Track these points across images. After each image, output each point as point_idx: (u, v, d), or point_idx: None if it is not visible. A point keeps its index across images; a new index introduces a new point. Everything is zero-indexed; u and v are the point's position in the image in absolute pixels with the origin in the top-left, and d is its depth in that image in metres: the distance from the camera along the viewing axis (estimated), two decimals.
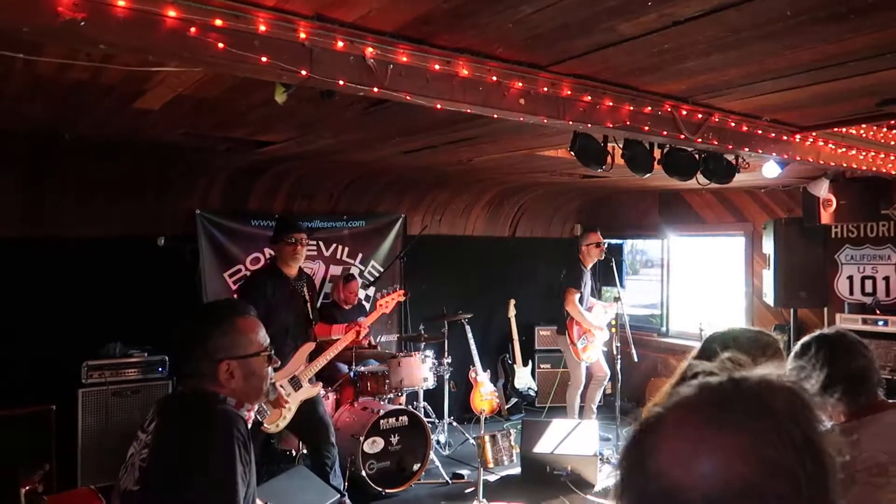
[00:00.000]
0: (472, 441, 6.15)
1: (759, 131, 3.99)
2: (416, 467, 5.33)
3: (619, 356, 6.07)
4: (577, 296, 6.25)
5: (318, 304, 6.42)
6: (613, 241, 7.69)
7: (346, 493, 4.66)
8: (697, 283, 7.98)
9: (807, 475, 0.73)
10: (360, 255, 6.76)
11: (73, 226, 5.25)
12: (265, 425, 4.33)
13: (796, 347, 2.09)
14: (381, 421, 5.19)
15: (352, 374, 5.61)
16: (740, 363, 0.85)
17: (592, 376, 6.50)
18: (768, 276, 6.15)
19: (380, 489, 5.07)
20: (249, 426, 1.96)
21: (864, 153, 4.71)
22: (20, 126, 4.11)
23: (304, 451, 5.39)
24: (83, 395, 4.90)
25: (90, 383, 4.94)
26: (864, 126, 4.37)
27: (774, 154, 4.17)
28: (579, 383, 6.42)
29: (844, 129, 4.34)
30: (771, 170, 4.53)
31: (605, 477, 5.37)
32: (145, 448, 1.85)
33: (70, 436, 4.83)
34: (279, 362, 2.05)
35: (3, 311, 4.95)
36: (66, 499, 4.11)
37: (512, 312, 7.49)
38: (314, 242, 6.49)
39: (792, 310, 6.25)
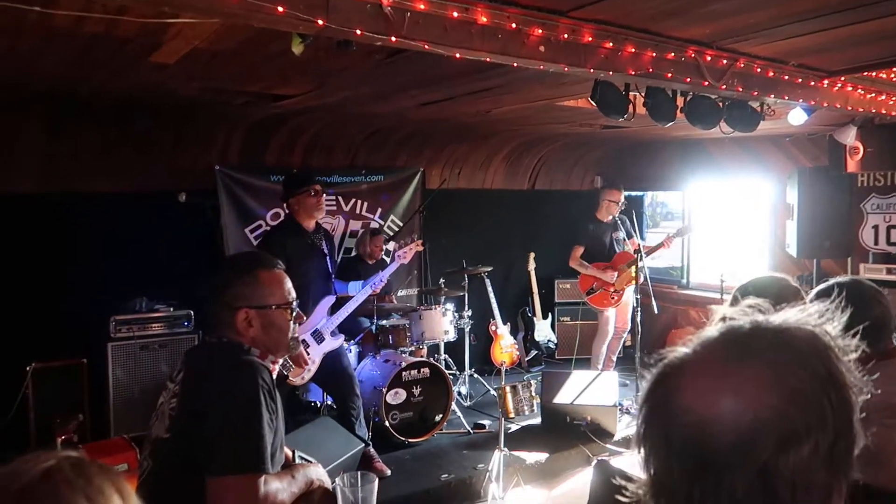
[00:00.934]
0: (492, 392, 6.24)
1: (786, 77, 3.88)
2: (438, 418, 5.42)
3: (639, 308, 6.07)
4: (581, 251, 6.33)
5: (340, 259, 6.50)
6: (633, 193, 7.63)
7: (370, 443, 4.77)
8: (718, 235, 7.91)
9: (832, 407, 0.74)
10: (379, 210, 6.76)
11: (93, 181, 5.30)
12: (290, 378, 4.41)
13: (811, 295, 2.08)
14: (404, 373, 5.27)
15: (373, 327, 5.67)
16: (761, 309, 0.85)
17: (615, 327, 6.53)
18: (792, 227, 6.07)
19: (403, 439, 5.18)
20: (275, 377, 2.00)
21: (893, 98, 4.58)
22: (37, 81, 4.12)
23: (329, 402, 5.51)
24: (112, 349, 5.01)
25: (118, 337, 5.05)
26: (894, 70, 4.24)
27: (801, 100, 4.07)
28: (605, 335, 6.47)
29: (874, 74, 4.22)
30: (797, 117, 4.43)
31: (625, 427, 5.43)
32: (174, 397, 1.90)
33: (101, 388, 4.98)
34: (304, 318, 2.08)
35: (30, 267, 5.06)
36: (100, 448, 4.25)
37: (532, 265, 7.49)
38: (333, 197, 6.50)
39: (815, 260, 6.19)
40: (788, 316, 0.82)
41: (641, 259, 6.02)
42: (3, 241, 4.98)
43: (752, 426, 0.71)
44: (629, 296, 6.38)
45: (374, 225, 6.68)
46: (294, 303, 2.03)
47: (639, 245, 6.18)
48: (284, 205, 4.82)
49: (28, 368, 4.75)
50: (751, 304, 0.85)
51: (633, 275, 6.15)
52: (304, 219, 4.61)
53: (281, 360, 2.08)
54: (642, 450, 0.80)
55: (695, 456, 0.73)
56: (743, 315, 0.83)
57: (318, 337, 4.55)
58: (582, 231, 6.45)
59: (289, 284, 2.03)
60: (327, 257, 4.73)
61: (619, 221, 6.51)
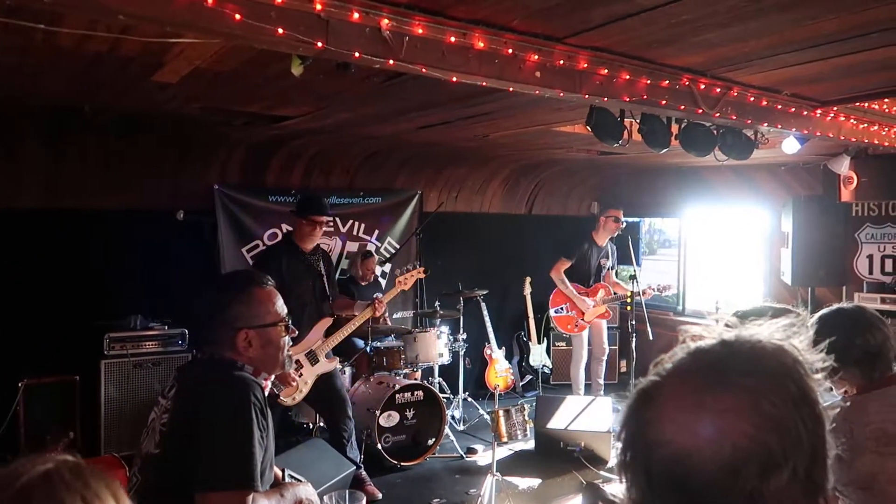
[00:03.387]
0: (486, 416, 6.21)
1: (779, 106, 3.94)
2: (430, 441, 5.39)
3: (633, 334, 6.07)
4: (566, 265, 6.36)
5: (337, 279, 6.50)
6: (630, 219, 7.67)
7: (362, 466, 4.74)
8: (714, 262, 7.93)
9: (806, 428, 0.74)
10: (376, 232, 6.79)
11: (93, 198, 5.33)
12: (281, 398, 4.40)
13: (813, 320, 2.09)
14: (397, 395, 5.25)
15: (368, 348, 5.66)
16: (729, 325, 0.86)
17: (591, 353, 6.55)
18: (787, 255, 6.11)
19: (395, 462, 5.15)
20: (267, 394, 2.00)
21: (886, 129, 4.63)
22: (41, 99, 4.17)
23: (321, 424, 5.48)
24: (105, 367, 5.00)
25: (112, 355, 5.04)
26: (886, 101, 4.30)
27: (794, 129, 4.12)
28: (579, 358, 6.51)
29: (867, 104, 4.27)
30: (791, 146, 4.48)
31: None
32: (165, 413, 1.90)
33: (93, 406, 4.95)
34: (297, 332, 2.09)
35: (28, 282, 5.06)
36: (95, 468, 4.21)
37: (528, 290, 7.49)
38: (331, 218, 6.53)
39: (810, 289, 6.21)
40: (756, 332, 0.82)
41: (637, 283, 6.05)
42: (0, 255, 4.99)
43: (731, 457, 0.71)
44: (600, 321, 6.50)
45: (370, 247, 6.71)
46: (287, 318, 2.04)
47: (634, 271, 6.21)
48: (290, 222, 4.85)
49: (20, 384, 4.73)
50: (718, 319, 0.86)
51: (607, 311, 6.35)
52: (299, 241, 4.64)
53: (272, 377, 2.08)
54: (624, 479, 0.80)
55: (678, 489, 0.73)
56: (711, 332, 0.84)
57: (312, 358, 4.54)
58: (575, 246, 6.44)
59: (280, 300, 2.05)
60: (324, 278, 4.74)
61: (610, 249, 6.56)
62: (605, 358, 6.63)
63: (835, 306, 2.15)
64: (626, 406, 0.82)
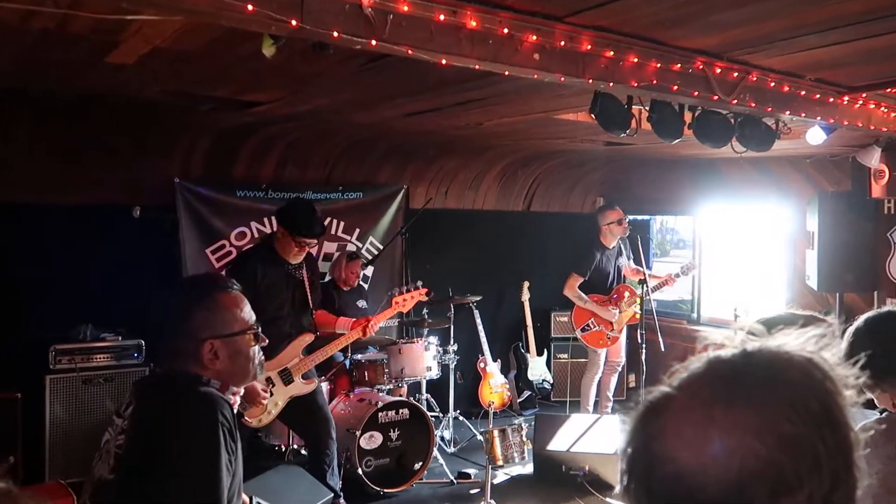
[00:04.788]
0: (479, 437, 6.23)
1: (802, 92, 3.98)
2: (417, 465, 5.41)
3: (643, 345, 6.10)
4: (580, 281, 6.37)
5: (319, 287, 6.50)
6: (640, 218, 7.71)
7: (341, 493, 4.74)
8: (732, 265, 7.99)
9: (827, 452, 0.75)
10: (357, 231, 6.81)
11: (38, 192, 5.30)
12: (246, 418, 4.36)
13: (857, 325, 2.09)
14: (380, 414, 5.26)
15: (347, 362, 5.67)
16: (755, 333, 0.86)
17: (607, 361, 6.58)
18: (812, 257, 6.16)
19: (378, 489, 5.16)
20: (235, 412, 2.01)
21: None
22: None
23: (294, 447, 5.49)
24: (51, 383, 4.98)
25: (58, 369, 5.02)
26: None
27: (819, 118, 4.17)
28: (595, 370, 6.53)
29: None
30: (815, 136, 4.52)
31: None
32: (122, 434, 1.90)
33: (37, 426, 4.92)
34: (266, 340, 2.10)
35: None
36: (33, 494, 4.19)
37: (526, 296, 7.53)
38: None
39: (837, 294, 6.26)
40: (783, 342, 0.82)
41: (646, 289, 6.09)
42: None
43: (738, 477, 0.72)
44: (617, 329, 6.51)
45: (350, 248, 6.71)
46: (256, 325, 2.05)
47: (644, 274, 6.24)
48: (274, 224, 4.78)
49: None
50: (743, 328, 0.86)
51: (636, 314, 6.29)
52: (284, 253, 4.61)
53: (242, 391, 2.09)
54: (625, 501, 0.81)
55: None
56: (733, 342, 0.85)
57: (285, 377, 4.52)
58: (587, 259, 6.44)
59: (248, 305, 2.05)
60: (307, 287, 4.70)
61: (622, 246, 6.60)
62: (619, 369, 6.67)
63: (884, 309, 2.15)
64: (631, 420, 0.83)
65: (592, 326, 6.44)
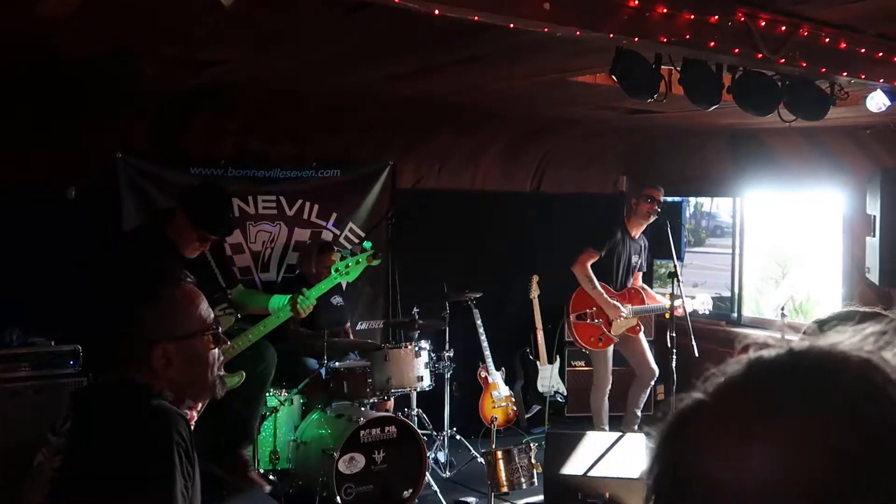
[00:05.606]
0: (480, 459, 6.25)
1: (863, 49, 3.98)
2: (407, 493, 5.42)
3: (674, 350, 6.12)
4: (594, 259, 6.42)
5: (281, 278, 6.51)
6: (669, 199, 7.72)
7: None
8: (779, 256, 8.02)
9: (884, 467, 0.75)
10: (334, 215, 6.81)
11: None
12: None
13: None
14: (362, 432, 5.27)
15: (323, 370, 5.68)
16: (805, 331, 0.87)
17: (634, 375, 6.60)
18: (873, 245, 6.18)
19: None
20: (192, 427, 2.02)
21: None
22: None
23: (262, 471, 5.49)
24: None
25: None
26: None
27: (882, 80, 4.18)
28: (602, 382, 6.59)
29: None
30: (877, 102, 4.53)
31: None
32: (58, 454, 1.91)
33: None
34: (228, 342, 2.10)
35: None
36: None
37: (535, 293, 7.52)
38: (272, 198, 6.52)
39: None
40: (836, 340, 0.83)
41: (679, 282, 6.10)
42: None
43: (783, 498, 0.73)
44: (632, 335, 6.61)
45: (325, 235, 6.71)
46: (215, 325, 2.06)
47: (675, 268, 6.26)
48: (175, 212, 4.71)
49: None
50: (790, 324, 0.87)
51: (638, 325, 6.45)
52: (182, 246, 4.62)
53: (200, 407, 2.10)
54: None
55: None
56: (779, 343, 0.85)
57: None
58: (607, 235, 6.50)
59: (205, 302, 2.06)
60: (214, 266, 4.81)
61: (643, 244, 6.64)
62: (651, 382, 6.69)
63: None
64: (659, 433, 0.83)
65: (589, 318, 6.47)
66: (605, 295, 6.43)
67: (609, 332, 6.47)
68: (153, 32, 3.98)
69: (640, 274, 6.84)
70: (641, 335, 6.64)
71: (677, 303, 6.19)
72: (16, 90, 5.28)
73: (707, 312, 6.64)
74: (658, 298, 6.71)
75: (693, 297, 6.58)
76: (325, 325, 5.71)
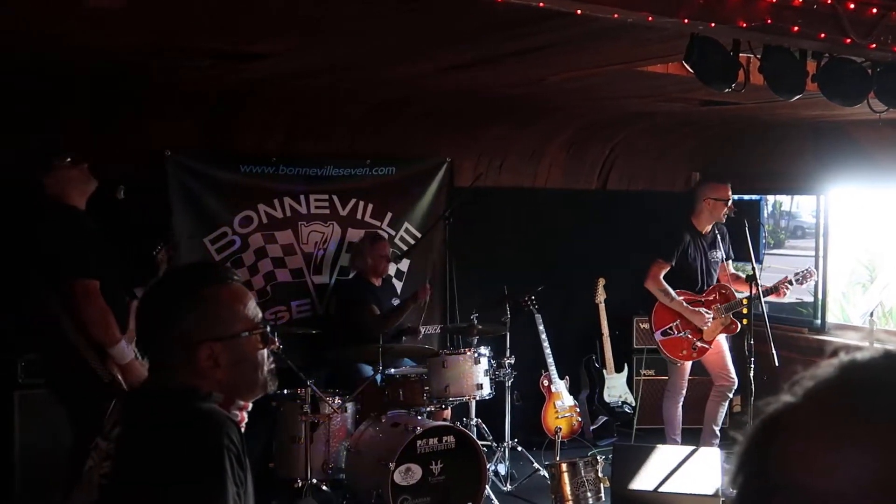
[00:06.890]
0: (543, 472, 6.22)
1: None
2: None
3: (752, 359, 6.02)
4: (665, 269, 6.32)
5: (334, 283, 6.55)
6: (746, 198, 7.60)
7: None
8: (868, 259, 7.84)
9: None
10: (389, 215, 6.83)
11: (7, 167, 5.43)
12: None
13: None
14: (419, 442, 5.28)
15: (378, 377, 5.71)
16: None
17: (713, 384, 6.49)
18: None
19: None
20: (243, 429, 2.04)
21: None
22: None
23: (313, 482, 5.55)
24: (20, 399, 5.11)
25: (28, 384, 5.13)
26: None
27: None
28: (676, 389, 6.48)
29: None
30: None
31: None
32: (107, 460, 1.94)
33: (5, 447, 5.07)
34: (276, 343, 2.12)
35: None
36: None
37: (601, 297, 7.47)
38: (325, 197, 6.57)
39: None
40: None
41: (757, 287, 5.99)
42: None
43: None
44: (721, 338, 6.46)
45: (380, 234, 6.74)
46: (263, 324, 2.07)
47: (753, 271, 6.15)
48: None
49: None
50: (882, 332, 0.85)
51: (735, 323, 6.28)
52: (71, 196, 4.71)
53: (250, 406, 2.12)
54: None
55: None
56: (873, 343, 0.84)
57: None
58: (674, 242, 6.38)
59: (252, 301, 2.08)
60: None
61: (717, 236, 6.50)
62: (730, 395, 6.56)
63: None
64: (745, 439, 0.82)
65: (675, 331, 6.37)
66: (686, 304, 6.33)
67: (700, 341, 6.36)
68: (202, 25, 4.04)
69: (730, 263, 6.67)
70: (722, 338, 6.49)
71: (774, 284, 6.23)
72: (63, 89, 5.42)
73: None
74: (743, 282, 6.52)
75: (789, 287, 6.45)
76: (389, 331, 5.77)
